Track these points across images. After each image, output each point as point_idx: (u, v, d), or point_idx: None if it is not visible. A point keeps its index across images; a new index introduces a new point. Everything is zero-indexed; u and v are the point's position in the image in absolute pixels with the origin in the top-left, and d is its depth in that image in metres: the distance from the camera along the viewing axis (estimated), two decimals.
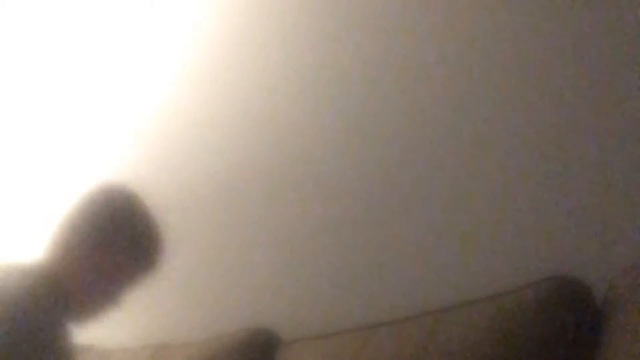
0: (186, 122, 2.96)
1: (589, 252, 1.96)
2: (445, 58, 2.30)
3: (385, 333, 2.06)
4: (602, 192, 1.97)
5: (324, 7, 2.59)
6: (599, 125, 2.00)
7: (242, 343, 2.42)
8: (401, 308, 2.17)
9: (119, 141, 2.74)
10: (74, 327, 1.86)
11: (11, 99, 3.41)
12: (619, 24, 2.00)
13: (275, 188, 2.65)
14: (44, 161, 3.26)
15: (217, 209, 2.81)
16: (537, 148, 2.10)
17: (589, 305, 1.78)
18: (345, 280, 2.43)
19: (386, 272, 2.33)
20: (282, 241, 2.60)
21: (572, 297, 1.78)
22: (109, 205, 1.89)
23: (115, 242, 1.87)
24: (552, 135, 2.08)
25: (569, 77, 2.06)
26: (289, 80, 2.66)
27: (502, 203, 2.14)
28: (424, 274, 2.24)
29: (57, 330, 1.78)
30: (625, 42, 1.98)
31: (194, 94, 2.95)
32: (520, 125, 2.13)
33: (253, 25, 2.80)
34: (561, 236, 2.02)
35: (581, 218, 2.00)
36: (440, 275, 2.21)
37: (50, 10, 3.38)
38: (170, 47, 3.07)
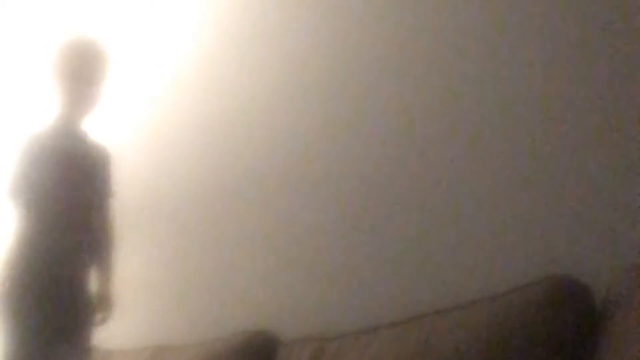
0: (185, 122, 2.96)
1: (589, 252, 1.95)
2: (448, 58, 2.29)
3: (386, 334, 2.06)
4: (602, 192, 1.97)
5: (322, 8, 2.60)
6: (599, 125, 2.00)
7: (242, 345, 2.42)
8: (401, 309, 2.17)
9: (117, 141, 2.73)
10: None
11: (11, 98, 3.41)
12: (619, 24, 2.00)
13: (275, 190, 2.64)
14: None
15: (217, 210, 2.81)
16: (537, 148, 2.09)
17: (588, 305, 1.78)
18: (345, 281, 2.42)
19: (386, 273, 2.33)
20: (282, 243, 2.60)
21: (572, 297, 1.78)
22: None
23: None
24: (552, 136, 2.07)
25: (569, 77, 2.06)
26: (287, 80, 2.66)
27: (502, 203, 2.13)
28: (423, 274, 2.24)
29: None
30: (625, 42, 1.98)
31: (193, 93, 2.95)
32: (520, 125, 2.13)
33: (252, 26, 2.80)
34: (561, 236, 2.02)
35: (581, 218, 1.99)
36: (440, 275, 2.20)
37: (50, 10, 3.39)
38: (169, 47, 3.07)
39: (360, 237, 2.40)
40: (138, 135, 3.05)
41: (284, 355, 2.33)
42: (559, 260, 1.98)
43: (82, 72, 2.34)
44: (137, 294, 2.78)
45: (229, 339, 2.47)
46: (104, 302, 2.40)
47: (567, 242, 2.00)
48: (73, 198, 2.31)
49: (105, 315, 2.41)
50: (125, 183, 2.61)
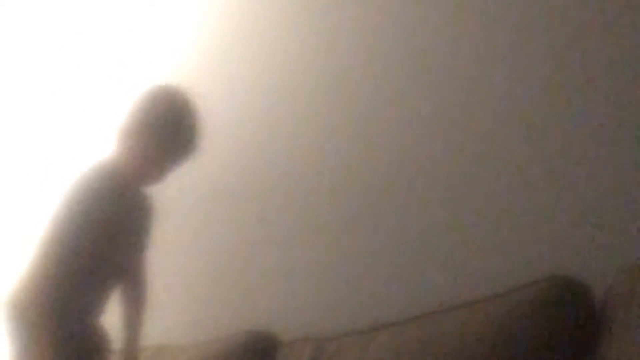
0: None
1: (589, 252, 1.95)
2: (448, 57, 2.30)
3: (386, 334, 2.06)
4: (602, 192, 1.97)
5: (324, 7, 2.60)
6: (599, 125, 2.00)
7: (242, 345, 2.42)
8: (401, 309, 2.17)
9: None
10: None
11: (12, 98, 3.41)
12: (619, 24, 2.00)
13: (273, 190, 2.64)
14: (45, 163, 3.27)
15: (217, 210, 2.81)
16: (537, 148, 2.09)
17: (588, 305, 1.78)
18: (344, 281, 2.42)
19: (386, 273, 2.33)
20: (282, 243, 2.60)
21: (572, 297, 1.78)
22: (166, 105, 2.23)
23: (169, 137, 2.20)
24: (552, 136, 2.07)
25: (569, 77, 2.06)
26: (288, 79, 2.66)
27: (502, 203, 2.14)
28: (424, 274, 2.24)
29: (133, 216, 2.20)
30: (625, 42, 1.98)
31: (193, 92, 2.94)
32: (521, 125, 2.13)
33: (253, 25, 2.80)
34: (561, 236, 2.02)
35: (581, 218, 1.99)
36: (440, 275, 2.20)
37: (50, 10, 3.39)
38: (169, 47, 3.07)
39: (361, 237, 2.40)
40: None
41: (284, 355, 2.33)
42: (559, 260, 1.98)
43: (170, 135, 2.16)
44: None
45: (229, 339, 2.46)
46: None
47: (567, 242, 2.00)
48: (108, 242, 2.15)
49: None
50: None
